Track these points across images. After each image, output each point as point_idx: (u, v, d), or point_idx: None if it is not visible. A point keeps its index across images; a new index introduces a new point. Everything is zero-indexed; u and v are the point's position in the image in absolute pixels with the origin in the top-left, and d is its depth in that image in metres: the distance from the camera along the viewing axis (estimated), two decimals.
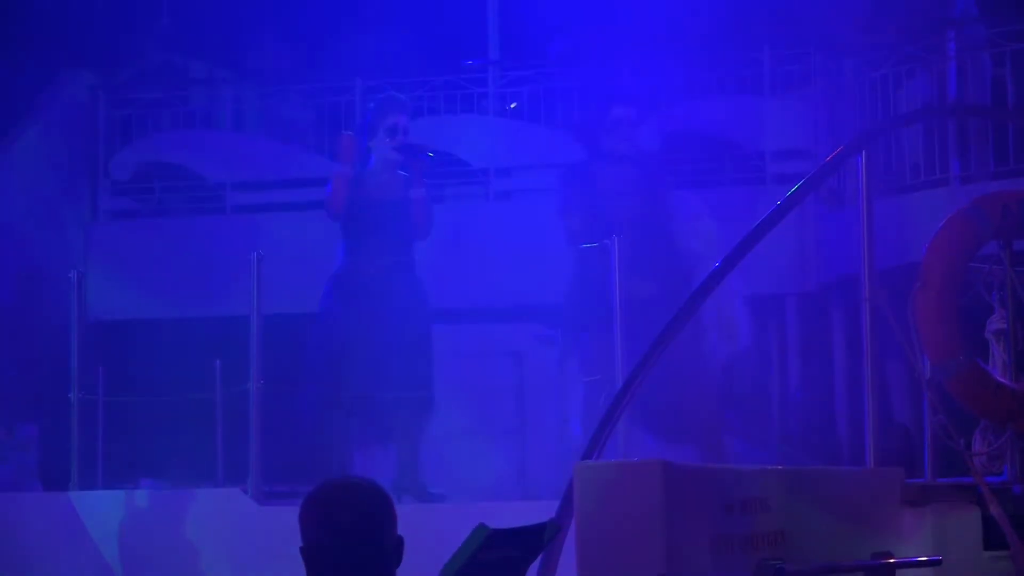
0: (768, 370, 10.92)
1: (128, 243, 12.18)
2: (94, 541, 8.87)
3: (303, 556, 3.85)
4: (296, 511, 3.89)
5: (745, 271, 8.03)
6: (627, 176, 9.00)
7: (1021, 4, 10.77)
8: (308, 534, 3.85)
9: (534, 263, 9.94)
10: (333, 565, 3.80)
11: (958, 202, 7.17)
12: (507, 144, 11.71)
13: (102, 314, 11.50)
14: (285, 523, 4.70)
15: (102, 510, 8.97)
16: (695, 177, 10.94)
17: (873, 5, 11.44)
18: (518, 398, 10.01)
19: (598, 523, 4.71)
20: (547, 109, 11.85)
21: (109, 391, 9.69)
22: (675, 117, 11.11)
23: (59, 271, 10.62)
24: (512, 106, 12.17)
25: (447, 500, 8.68)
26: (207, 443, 9.40)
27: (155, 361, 10.89)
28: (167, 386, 10.01)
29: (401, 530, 3.88)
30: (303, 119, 12.65)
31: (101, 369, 9.69)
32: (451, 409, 9.11)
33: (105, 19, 12.42)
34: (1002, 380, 6.48)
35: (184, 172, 12.37)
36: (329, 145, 12.33)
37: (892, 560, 5.43)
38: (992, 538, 6.01)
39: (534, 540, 3.93)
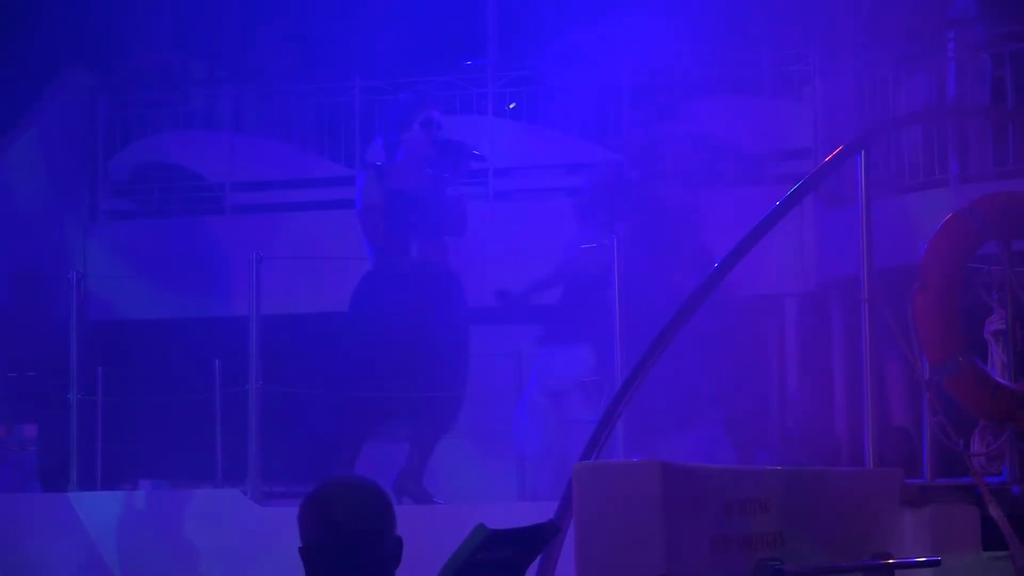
0: (767, 370, 10.93)
1: (127, 243, 12.19)
2: (93, 542, 8.88)
3: (302, 556, 3.85)
4: (295, 511, 3.89)
5: (745, 271, 8.04)
6: (664, 188, 8.98)
7: (1021, 4, 10.77)
8: (307, 534, 3.85)
9: (534, 263, 9.93)
10: (332, 565, 3.80)
11: (957, 202, 7.17)
12: (506, 144, 11.70)
13: (101, 314, 11.50)
14: (284, 523, 4.70)
15: (101, 511, 8.97)
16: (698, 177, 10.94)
17: (873, 5, 11.44)
18: (518, 398, 10.01)
19: (597, 523, 4.71)
20: (546, 109, 11.85)
21: (108, 392, 9.69)
22: (676, 118, 11.12)
23: (58, 271, 10.63)
24: (511, 106, 12.17)
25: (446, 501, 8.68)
26: (206, 444, 9.39)
27: (154, 362, 10.89)
28: (166, 387, 10.01)
29: (400, 530, 3.88)
30: (302, 119, 12.65)
31: (100, 370, 9.69)
32: None
33: (105, 19, 12.42)
34: (1001, 380, 6.48)
35: (183, 172, 12.37)
36: (328, 145, 12.35)
37: (891, 560, 5.43)
38: (991, 538, 6.01)
39: (533, 541, 3.93)
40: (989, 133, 10.55)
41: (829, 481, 5.59)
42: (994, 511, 5.97)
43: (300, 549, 3.85)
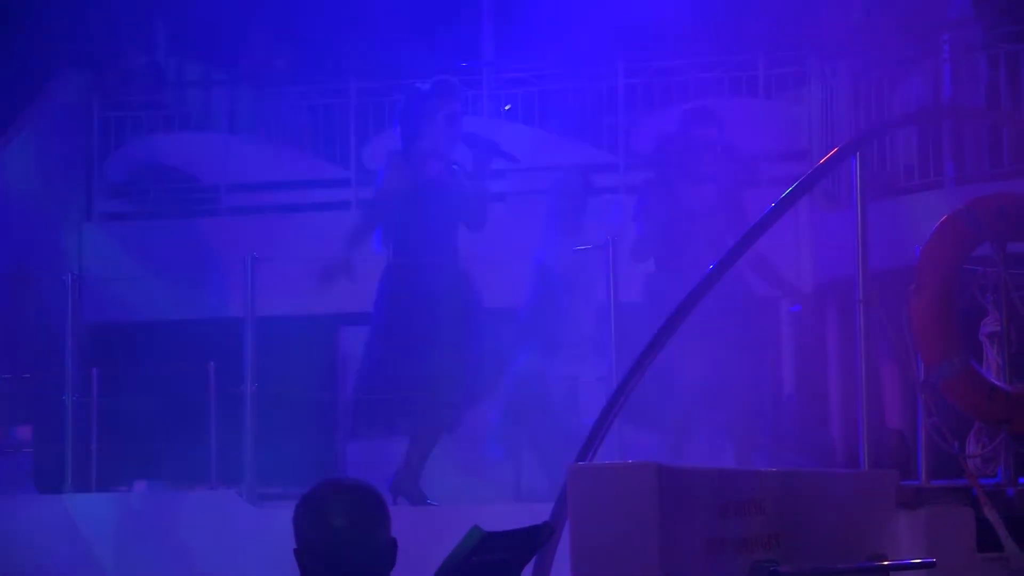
0: (762, 371, 10.92)
1: (122, 245, 12.18)
2: (88, 543, 8.86)
3: (297, 558, 3.85)
4: (290, 513, 3.88)
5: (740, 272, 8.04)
6: (707, 195, 8.94)
7: (1016, 5, 10.78)
8: (302, 536, 3.85)
9: (529, 265, 9.91)
10: (327, 567, 3.80)
11: (953, 204, 7.16)
12: (502, 146, 11.66)
13: (96, 316, 11.48)
14: (279, 525, 4.70)
15: (96, 512, 8.95)
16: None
17: (868, 7, 11.45)
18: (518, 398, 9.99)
19: (592, 525, 4.70)
20: (541, 111, 11.84)
21: (103, 393, 9.67)
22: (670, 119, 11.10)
23: (53, 272, 10.61)
24: (506, 108, 12.17)
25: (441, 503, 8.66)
26: (201, 445, 9.38)
27: (149, 363, 10.88)
28: (161, 388, 10.00)
29: (395, 532, 3.88)
30: (297, 121, 12.64)
31: (95, 371, 9.67)
32: None
33: (100, 21, 12.42)
34: (996, 382, 6.47)
35: (178, 174, 12.37)
36: (324, 147, 12.35)
37: (886, 562, 5.43)
38: (986, 540, 6.00)
39: (528, 542, 3.92)
40: (985, 135, 10.56)
41: (825, 483, 5.59)
42: (989, 513, 5.97)
43: (295, 551, 3.85)
